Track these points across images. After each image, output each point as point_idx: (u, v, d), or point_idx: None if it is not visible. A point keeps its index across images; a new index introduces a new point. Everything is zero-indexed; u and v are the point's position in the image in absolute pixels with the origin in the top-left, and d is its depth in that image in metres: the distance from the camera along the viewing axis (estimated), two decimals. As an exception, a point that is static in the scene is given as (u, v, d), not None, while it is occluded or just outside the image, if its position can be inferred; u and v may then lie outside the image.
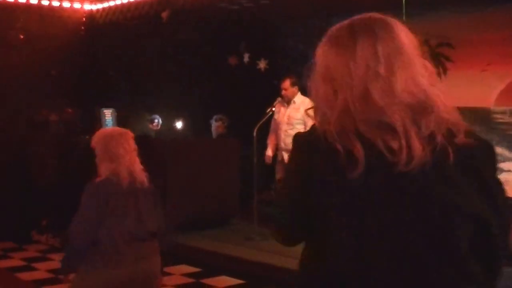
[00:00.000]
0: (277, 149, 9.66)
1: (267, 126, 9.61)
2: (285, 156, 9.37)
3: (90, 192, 4.56)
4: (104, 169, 4.62)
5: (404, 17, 9.46)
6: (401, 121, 1.99)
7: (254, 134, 9.29)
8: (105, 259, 4.44)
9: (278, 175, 9.64)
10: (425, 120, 2.01)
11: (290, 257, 8.22)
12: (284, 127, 9.43)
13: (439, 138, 2.00)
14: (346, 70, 2.13)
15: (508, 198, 2.29)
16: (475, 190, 2.06)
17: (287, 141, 9.34)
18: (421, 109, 2.03)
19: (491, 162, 2.21)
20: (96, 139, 4.72)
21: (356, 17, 2.32)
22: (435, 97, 2.08)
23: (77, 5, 13.16)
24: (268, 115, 9.47)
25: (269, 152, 9.73)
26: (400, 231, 1.96)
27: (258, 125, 9.33)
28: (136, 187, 4.62)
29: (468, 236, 2.02)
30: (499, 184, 2.18)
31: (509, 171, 9.59)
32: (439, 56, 10.55)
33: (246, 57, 12.18)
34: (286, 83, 9.41)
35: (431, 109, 2.04)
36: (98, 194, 4.52)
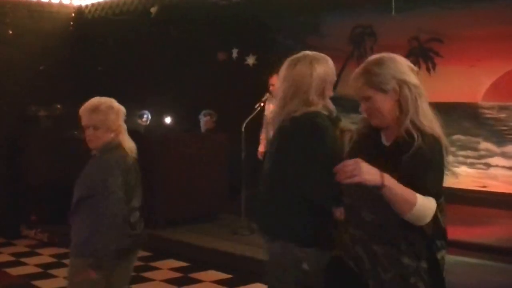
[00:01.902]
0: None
1: (256, 121, 9.65)
2: (275, 151, 9.42)
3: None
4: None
5: (393, 12, 9.55)
6: None
7: (243, 129, 9.34)
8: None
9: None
10: None
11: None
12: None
13: None
14: None
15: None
16: None
17: (276, 137, 9.41)
18: None
19: None
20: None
21: None
22: None
23: (66, 1, 13.16)
24: (256, 111, 9.50)
25: (261, 147, 9.77)
26: None
27: (247, 120, 9.37)
28: None
29: None
30: None
31: (496, 166, 9.67)
32: (429, 52, 10.63)
33: (234, 53, 12.21)
34: (274, 79, 9.44)
35: None
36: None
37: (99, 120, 4.60)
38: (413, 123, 3.03)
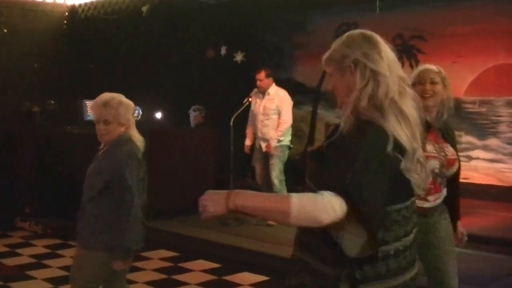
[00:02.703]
0: (254, 138, 9.77)
1: (244, 116, 9.69)
2: (262, 145, 9.50)
3: None
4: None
5: (377, 11, 9.60)
6: None
7: (231, 123, 9.40)
8: None
9: (256, 163, 9.79)
10: None
11: (264, 242, 8.41)
12: (260, 117, 9.57)
13: None
14: None
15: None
16: None
17: (263, 131, 9.50)
18: None
19: None
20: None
21: None
22: None
23: (59, 0, 13.21)
24: (244, 106, 9.58)
25: (248, 141, 9.86)
26: None
27: (235, 115, 9.45)
28: None
29: None
30: None
31: (478, 158, 9.73)
32: (412, 49, 10.68)
33: (223, 50, 12.24)
34: (261, 74, 9.52)
35: None
36: None
37: (111, 114, 4.63)
38: (356, 110, 2.63)
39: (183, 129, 11.11)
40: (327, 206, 2.42)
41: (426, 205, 4.30)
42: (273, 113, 9.43)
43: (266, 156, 9.51)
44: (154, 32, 12.26)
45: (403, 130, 2.59)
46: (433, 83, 4.38)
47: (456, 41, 9.80)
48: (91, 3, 13.02)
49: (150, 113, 11.53)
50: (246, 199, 2.53)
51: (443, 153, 4.36)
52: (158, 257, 8.42)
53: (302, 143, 11.51)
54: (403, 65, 11.51)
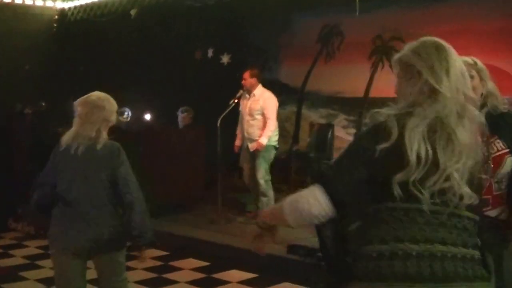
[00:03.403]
0: (242, 138, 9.77)
1: (230, 116, 9.68)
2: (249, 145, 9.48)
3: None
4: None
5: (357, 13, 9.64)
6: None
7: (218, 124, 9.35)
8: None
9: (243, 163, 9.78)
10: None
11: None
12: (246, 118, 9.52)
13: None
14: None
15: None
16: None
17: (250, 131, 9.46)
18: None
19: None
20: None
21: None
22: None
23: (49, 3, 13.18)
24: (231, 107, 9.54)
25: (237, 142, 9.82)
26: None
27: (222, 116, 9.40)
28: None
29: None
30: None
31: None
32: (392, 49, 10.72)
33: (210, 52, 12.25)
34: (246, 74, 9.48)
35: None
36: None
37: (103, 116, 4.66)
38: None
39: (171, 129, 11.08)
40: (309, 195, 2.59)
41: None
42: (258, 113, 9.39)
43: (253, 156, 9.48)
44: (142, 34, 12.26)
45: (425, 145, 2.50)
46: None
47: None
48: (81, 6, 13.01)
49: (140, 115, 11.53)
50: (265, 213, 2.82)
51: (488, 153, 3.51)
52: (148, 256, 8.40)
53: (287, 142, 11.57)
54: (383, 67, 11.63)
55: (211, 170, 10.07)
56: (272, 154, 9.45)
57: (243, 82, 9.49)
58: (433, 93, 2.56)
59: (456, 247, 2.51)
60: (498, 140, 3.69)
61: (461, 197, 2.52)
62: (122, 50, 12.35)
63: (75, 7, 13.06)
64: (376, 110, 2.66)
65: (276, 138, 9.52)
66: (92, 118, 4.62)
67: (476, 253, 2.57)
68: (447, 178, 2.50)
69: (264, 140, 9.28)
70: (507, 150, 3.68)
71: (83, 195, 4.59)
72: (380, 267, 2.49)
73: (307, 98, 11.93)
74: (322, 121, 11.31)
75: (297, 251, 7.96)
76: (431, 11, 10.01)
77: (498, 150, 3.68)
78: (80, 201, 4.59)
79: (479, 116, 2.66)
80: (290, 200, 2.66)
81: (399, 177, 2.48)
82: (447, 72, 2.57)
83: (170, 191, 9.85)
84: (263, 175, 9.36)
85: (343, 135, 11.13)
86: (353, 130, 11.20)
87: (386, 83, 10.62)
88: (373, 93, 10.90)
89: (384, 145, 2.51)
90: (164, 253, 8.53)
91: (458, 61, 2.65)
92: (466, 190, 2.52)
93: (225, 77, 11.60)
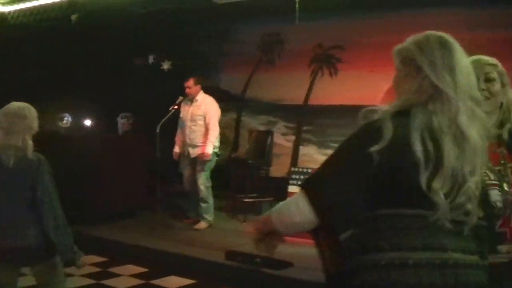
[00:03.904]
0: (183, 144, 9.71)
1: (171, 123, 9.61)
2: (190, 151, 9.44)
3: None
4: None
5: (297, 22, 9.67)
6: None
7: (158, 130, 9.29)
8: None
9: (184, 169, 9.73)
10: None
11: (191, 246, 8.36)
12: (188, 124, 9.49)
13: None
14: None
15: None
16: None
17: (191, 137, 9.44)
18: None
19: None
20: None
21: None
22: None
23: (-12, 7, 12.94)
24: (170, 113, 9.48)
25: (176, 149, 9.76)
26: None
27: (162, 122, 9.34)
28: None
29: None
30: None
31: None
32: (332, 58, 10.81)
33: (151, 59, 12.17)
34: (190, 82, 9.44)
35: None
36: None
37: (26, 125, 4.56)
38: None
39: (111, 136, 10.97)
40: (292, 203, 2.43)
41: (496, 259, 2.80)
42: (200, 119, 9.37)
43: (194, 163, 9.45)
44: (83, 39, 12.11)
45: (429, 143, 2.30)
46: (489, 80, 3.06)
47: (371, 50, 9.95)
48: (21, 10, 12.77)
49: (79, 120, 11.38)
50: (257, 224, 2.62)
51: (507, 178, 2.95)
52: (86, 262, 8.27)
53: (227, 149, 11.55)
54: (322, 74, 11.73)
55: (151, 176, 9.95)
56: (214, 161, 9.43)
57: (187, 90, 9.44)
58: (436, 91, 2.35)
59: (426, 250, 2.30)
60: None
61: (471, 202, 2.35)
62: (62, 55, 12.17)
63: (15, 11, 12.81)
64: (370, 107, 2.43)
65: (218, 145, 9.49)
66: (16, 128, 4.53)
67: (481, 260, 2.40)
68: (459, 182, 2.31)
69: (209, 149, 9.26)
70: None
71: (12, 206, 4.49)
72: (379, 277, 2.29)
73: (247, 105, 11.94)
74: (262, 128, 11.39)
75: (236, 257, 7.99)
76: (371, 21, 10.13)
77: None
78: (9, 211, 4.49)
79: (487, 121, 2.45)
80: (275, 209, 2.54)
81: (406, 180, 2.29)
82: (451, 69, 2.36)
83: (110, 197, 9.72)
84: (203, 182, 9.34)
85: (283, 142, 11.18)
86: (292, 137, 11.25)
87: (325, 91, 10.73)
88: (312, 101, 10.97)
89: (379, 147, 2.28)
90: (103, 259, 8.42)
91: (464, 59, 2.43)
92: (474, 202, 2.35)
93: (166, 83, 11.52)
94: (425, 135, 2.30)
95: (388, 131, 2.29)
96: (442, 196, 2.27)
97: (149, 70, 12.13)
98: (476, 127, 2.34)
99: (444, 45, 2.42)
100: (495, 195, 2.86)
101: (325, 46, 10.88)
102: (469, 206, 2.33)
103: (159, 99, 10.73)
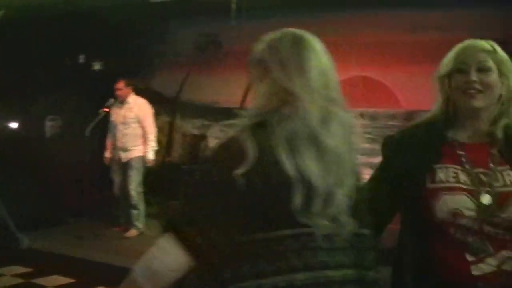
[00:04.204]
0: (114, 149, 9.44)
1: (100, 126, 9.35)
2: (122, 155, 9.22)
3: None
4: None
5: (234, 21, 9.46)
6: None
7: (87, 134, 9.08)
8: None
9: (114, 174, 9.49)
10: None
11: (119, 255, 8.06)
12: (120, 127, 9.29)
13: None
14: None
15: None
16: None
17: (123, 140, 9.25)
18: None
19: None
20: None
21: None
22: None
23: None
24: (100, 116, 9.31)
25: (108, 153, 9.56)
26: None
27: (91, 126, 9.14)
28: None
29: None
30: None
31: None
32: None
33: (81, 58, 11.87)
34: (121, 84, 9.31)
35: None
36: None
37: None
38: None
39: (38, 139, 10.66)
40: (157, 251, 2.09)
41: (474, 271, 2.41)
42: (133, 121, 9.26)
43: (125, 167, 9.25)
44: (9, 38, 11.65)
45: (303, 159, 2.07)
46: (482, 69, 2.54)
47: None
48: None
49: (4, 122, 11.03)
50: None
51: (494, 183, 2.50)
52: (11, 273, 7.91)
53: (160, 153, 11.29)
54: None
55: (81, 183, 9.63)
56: (145, 165, 9.22)
57: (118, 92, 9.31)
58: (288, 95, 2.12)
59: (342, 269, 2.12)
60: (510, 172, 2.52)
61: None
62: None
63: None
64: (229, 121, 2.17)
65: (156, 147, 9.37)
66: None
67: (368, 273, 2.19)
68: (328, 194, 2.08)
69: (150, 155, 9.21)
70: None
71: None
72: None
73: (181, 108, 11.71)
74: (196, 131, 11.24)
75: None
76: (311, 23, 9.87)
77: (505, 185, 2.49)
78: None
79: (349, 118, 2.22)
80: (140, 267, 2.11)
81: (278, 201, 2.04)
82: (301, 68, 2.15)
83: (36, 205, 9.41)
84: (135, 187, 9.20)
85: (217, 146, 11.02)
86: (227, 141, 11.08)
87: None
88: (249, 103, 10.75)
89: (243, 170, 2.01)
90: (28, 269, 8.03)
91: (319, 56, 2.23)
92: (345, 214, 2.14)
93: (96, 84, 11.21)
94: (289, 147, 2.05)
95: (252, 151, 2.03)
96: (318, 212, 2.06)
97: (79, 70, 11.78)
98: (335, 133, 2.13)
99: (296, 42, 2.23)
100: (457, 201, 2.45)
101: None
102: (341, 218, 2.12)
103: (89, 101, 10.43)
